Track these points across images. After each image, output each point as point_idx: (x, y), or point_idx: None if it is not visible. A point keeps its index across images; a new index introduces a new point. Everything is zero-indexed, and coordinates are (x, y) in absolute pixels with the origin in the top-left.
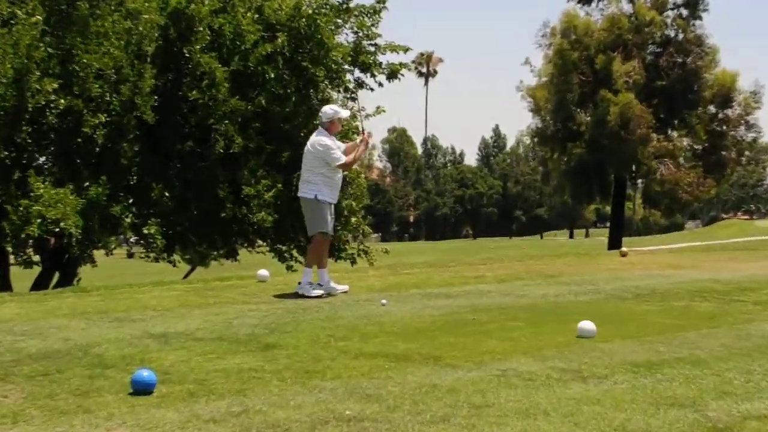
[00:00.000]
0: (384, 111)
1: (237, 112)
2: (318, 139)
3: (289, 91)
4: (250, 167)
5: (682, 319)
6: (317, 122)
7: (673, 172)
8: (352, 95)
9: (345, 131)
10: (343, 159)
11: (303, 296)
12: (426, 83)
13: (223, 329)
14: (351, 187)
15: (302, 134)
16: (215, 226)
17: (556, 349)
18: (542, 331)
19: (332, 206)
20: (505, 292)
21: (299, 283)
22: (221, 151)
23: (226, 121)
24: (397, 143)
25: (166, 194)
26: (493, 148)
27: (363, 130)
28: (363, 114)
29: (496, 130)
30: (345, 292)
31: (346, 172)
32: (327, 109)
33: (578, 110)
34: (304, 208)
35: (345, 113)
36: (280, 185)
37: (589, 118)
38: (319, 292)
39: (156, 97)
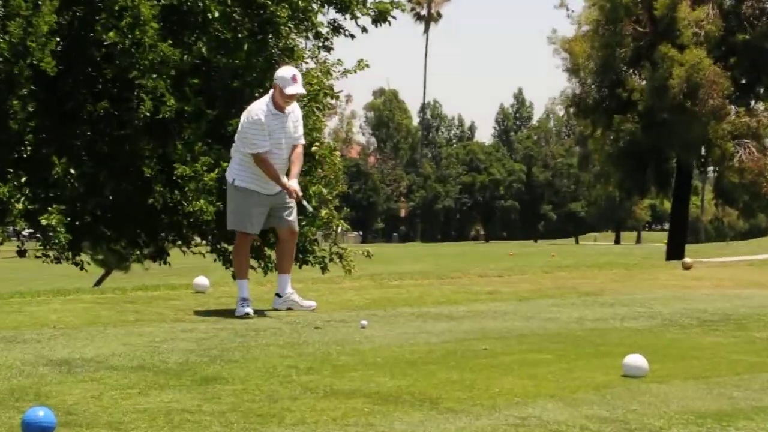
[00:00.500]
0: (368, 66)
1: (169, 63)
2: (251, 107)
3: (240, 36)
4: (185, 138)
5: (765, 356)
6: None
7: (756, 158)
8: (326, 43)
9: (314, 93)
10: (261, 150)
11: (290, 309)
12: (426, 30)
13: (146, 355)
14: (321, 168)
15: (257, 95)
16: (138, 216)
17: (594, 392)
18: (576, 367)
19: (276, 196)
20: (527, 314)
21: (277, 295)
22: (147, 115)
23: (154, 75)
24: (386, 111)
25: (72, 172)
26: (514, 120)
27: (302, 200)
28: (339, 70)
29: (519, 97)
30: (311, 310)
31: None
32: (279, 69)
33: (630, 72)
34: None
35: (292, 89)
36: (225, 164)
37: (644, 83)
38: (242, 311)
39: (58, 40)
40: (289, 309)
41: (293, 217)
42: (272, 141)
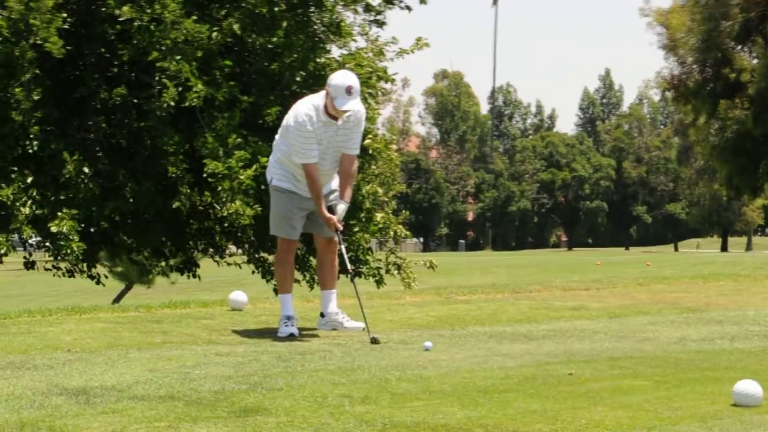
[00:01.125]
0: (427, 45)
1: (195, 43)
2: (298, 107)
3: (277, 10)
4: (216, 130)
5: None
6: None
7: None
8: (377, 17)
9: (366, 77)
10: (310, 161)
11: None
12: (495, 2)
13: (175, 383)
14: (375, 164)
15: (298, 79)
16: (162, 222)
17: (699, 424)
18: (678, 395)
19: (310, 200)
20: (619, 333)
21: (322, 315)
22: (171, 103)
23: (178, 57)
24: (449, 96)
25: (85, 171)
26: (601, 106)
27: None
28: (394, 49)
29: (606, 79)
30: (360, 330)
31: None
32: (334, 76)
33: (738, 48)
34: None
35: (345, 104)
36: (264, 159)
37: (755, 61)
38: (287, 331)
39: (65, 16)
40: (333, 330)
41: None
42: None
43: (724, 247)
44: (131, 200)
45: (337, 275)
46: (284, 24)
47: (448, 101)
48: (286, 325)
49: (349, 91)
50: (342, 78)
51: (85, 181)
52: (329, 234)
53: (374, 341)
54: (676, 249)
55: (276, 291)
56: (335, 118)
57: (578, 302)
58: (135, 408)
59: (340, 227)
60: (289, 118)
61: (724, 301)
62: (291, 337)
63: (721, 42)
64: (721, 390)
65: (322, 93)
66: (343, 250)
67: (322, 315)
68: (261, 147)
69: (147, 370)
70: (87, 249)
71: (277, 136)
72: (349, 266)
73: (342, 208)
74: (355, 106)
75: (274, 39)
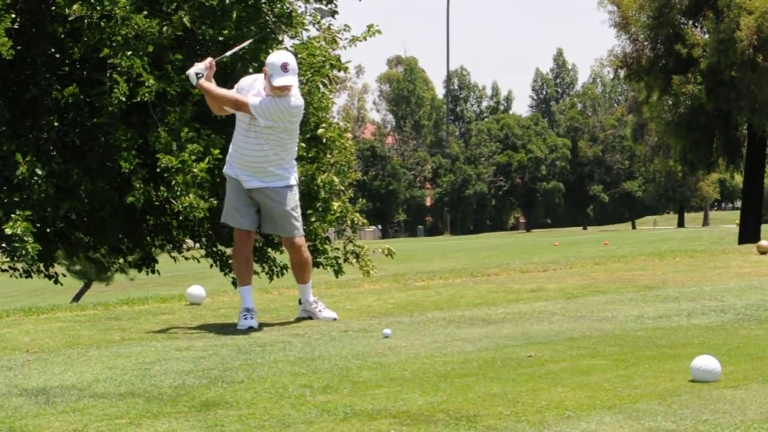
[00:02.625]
0: (379, 32)
1: (145, 37)
2: (244, 79)
3: (227, 2)
4: (169, 124)
5: None
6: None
7: None
8: (329, 6)
9: (319, 65)
10: (252, 103)
11: (311, 318)
12: None
13: (135, 380)
14: (330, 153)
15: (250, 70)
16: (119, 218)
17: (658, 401)
18: (636, 373)
19: (251, 193)
20: (577, 313)
21: (300, 302)
22: (123, 99)
23: (129, 52)
24: (404, 82)
25: (39, 171)
26: (555, 87)
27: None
28: (346, 37)
29: (559, 59)
30: (333, 320)
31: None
32: (272, 55)
33: (690, 24)
34: None
35: (282, 80)
36: (217, 152)
37: (707, 36)
38: (245, 324)
39: (13, 16)
40: (309, 318)
41: (292, 224)
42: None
43: (681, 223)
44: (86, 199)
45: (309, 269)
46: (234, 15)
47: (403, 87)
48: (245, 318)
49: (284, 67)
50: (277, 56)
51: (38, 183)
52: (285, 234)
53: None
54: (633, 227)
55: (235, 284)
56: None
57: (536, 284)
58: (95, 406)
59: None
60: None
61: (681, 278)
62: (250, 329)
63: (673, 18)
64: (680, 367)
65: (261, 74)
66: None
67: (300, 302)
68: (214, 139)
69: (106, 367)
70: (43, 248)
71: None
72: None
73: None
74: (291, 82)
75: (225, 31)
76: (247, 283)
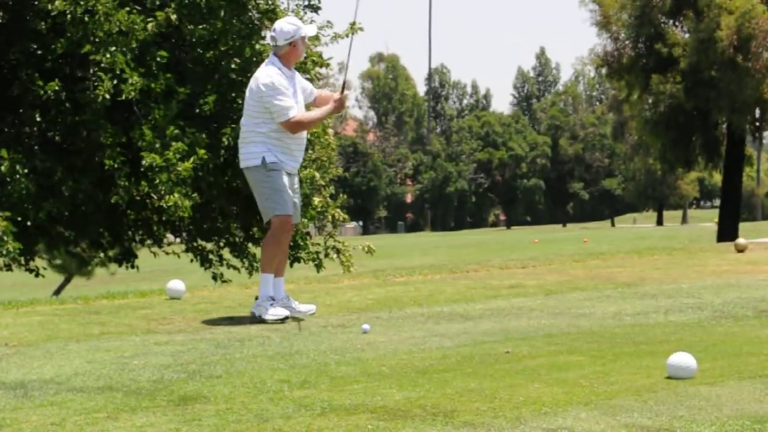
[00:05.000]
0: (361, 29)
1: (129, 34)
2: (265, 73)
3: None
4: (153, 122)
5: None
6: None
7: None
8: (311, 2)
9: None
10: (295, 113)
11: (260, 320)
12: None
13: (114, 374)
14: (311, 149)
15: (233, 66)
16: (100, 213)
17: (634, 397)
18: (613, 369)
19: (293, 177)
20: (555, 309)
21: (256, 299)
22: (106, 96)
23: (113, 48)
24: (386, 80)
25: (20, 168)
26: (537, 85)
27: (343, 85)
28: (328, 34)
29: (542, 58)
30: (311, 314)
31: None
32: (283, 25)
33: (671, 23)
34: (250, 183)
35: (310, 30)
36: (202, 151)
37: (687, 36)
38: (283, 313)
39: None
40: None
41: (299, 207)
42: None
43: (660, 221)
44: (68, 194)
45: (285, 264)
46: (221, 13)
47: (385, 84)
48: (274, 306)
49: (296, 22)
50: (284, 20)
51: (20, 179)
52: (296, 216)
53: None
54: (612, 224)
55: (215, 279)
56: (291, 69)
57: (515, 280)
58: (74, 400)
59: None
60: (257, 87)
61: (659, 275)
62: (286, 319)
63: (654, 17)
64: (656, 363)
65: (269, 61)
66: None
67: (256, 298)
68: (198, 138)
69: (85, 361)
70: (24, 242)
71: (246, 124)
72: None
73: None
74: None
75: (210, 28)
76: (274, 272)
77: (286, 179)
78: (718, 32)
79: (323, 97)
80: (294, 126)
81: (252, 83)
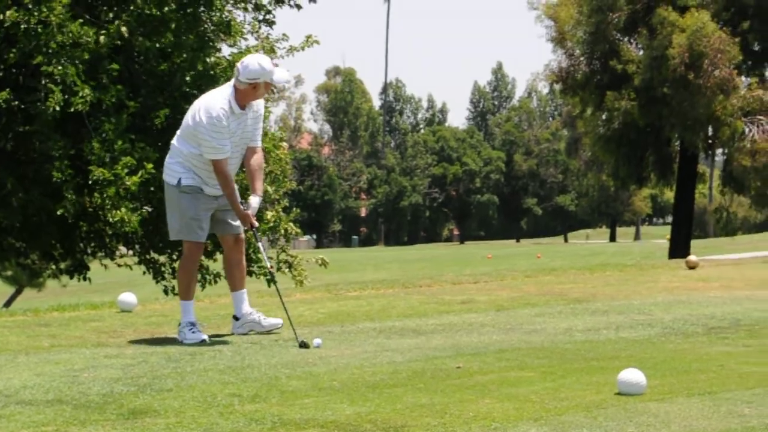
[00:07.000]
0: (318, 42)
1: (82, 46)
2: (209, 104)
3: (167, 9)
4: (103, 135)
5: None
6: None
7: None
8: (267, 17)
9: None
10: (222, 157)
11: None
12: None
13: (64, 387)
14: (267, 163)
15: (188, 79)
16: (52, 224)
17: (584, 413)
18: (564, 385)
19: (220, 198)
20: (507, 325)
21: (235, 318)
22: (57, 108)
23: (64, 60)
24: (342, 93)
25: None
26: (493, 100)
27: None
28: (284, 47)
29: (498, 72)
30: (277, 329)
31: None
32: (251, 63)
33: (625, 40)
34: (165, 196)
35: (279, 76)
36: (150, 165)
37: (641, 53)
38: (200, 337)
39: None
40: (251, 332)
41: (239, 221)
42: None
43: (612, 238)
44: (17, 205)
45: (245, 274)
46: (173, 24)
47: (341, 98)
48: (193, 332)
49: (274, 63)
50: (258, 58)
51: None
52: (236, 231)
53: (303, 345)
54: (565, 240)
55: (167, 292)
56: (244, 108)
57: (467, 296)
58: (22, 413)
59: (256, 223)
60: (199, 115)
61: (611, 291)
62: (203, 342)
63: (609, 34)
64: (606, 379)
65: (228, 86)
66: (261, 247)
67: (235, 318)
68: (148, 152)
69: (34, 374)
70: None
71: (176, 138)
72: (268, 264)
73: (256, 201)
74: (284, 74)
75: (163, 40)
76: (192, 298)
77: (203, 202)
78: (670, 50)
79: (257, 162)
80: (217, 169)
81: (197, 105)
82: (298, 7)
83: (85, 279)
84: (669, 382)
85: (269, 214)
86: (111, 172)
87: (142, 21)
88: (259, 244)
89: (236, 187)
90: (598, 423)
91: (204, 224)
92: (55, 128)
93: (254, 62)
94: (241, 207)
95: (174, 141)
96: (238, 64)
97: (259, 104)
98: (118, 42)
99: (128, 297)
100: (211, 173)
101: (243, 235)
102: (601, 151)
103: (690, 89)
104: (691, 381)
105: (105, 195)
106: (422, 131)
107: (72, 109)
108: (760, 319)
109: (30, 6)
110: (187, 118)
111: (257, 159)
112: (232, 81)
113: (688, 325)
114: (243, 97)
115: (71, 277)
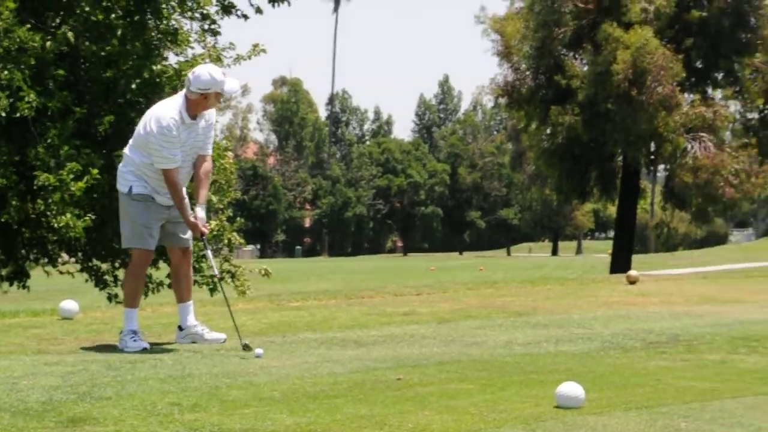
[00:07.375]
0: (264, 51)
1: (28, 51)
2: (159, 113)
3: (113, 16)
4: (48, 141)
5: (717, 381)
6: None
7: (712, 155)
8: (212, 26)
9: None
10: (173, 167)
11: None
12: (336, 9)
13: (2, 394)
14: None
15: (134, 86)
16: None
17: (522, 426)
18: (503, 397)
19: (171, 208)
20: (448, 337)
21: (180, 329)
22: (2, 114)
23: (10, 66)
24: (289, 103)
25: None
26: (439, 113)
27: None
28: (231, 55)
29: (445, 85)
30: (221, 342)
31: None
32: (202, 73)
33: (570, 55)
34: (119, 204)
35: (230, 86)
36: (96, 171)
37: (585, 68)
38: (142, 345)
39: None
40: (193, 343)
41: (189, 234)
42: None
43: (555, 251)
44: None
45: (192, 286)
46: (119, 32)
47: (287, 108)
48: (135, 340)
49: (225, 74)
50: (209, 68)
51: None
52: (185, 245)
53: (246, 348)
54: (508, 253)
55: (110, 299)
56: (195, 118)
57: (409, 307)
58: None
59: (206, 231)
60: (150, 125)
61: (551, 305)
62: (145, 351)
63: (554, 49)
64: (545, 392)
65: (179, 96)
66: (209, 255)
67: (180, 328)
68: (93, 158)
69: None
70: None
71: (128, 147)
72: (216, 272)
73: (202, 211)
74: (234, 85)
75: (109, 47)
76: (137, 306)
77: (154, 211)
78: (614, 65)
79: (204, 171)
80: (167, 178)
81: (149, 115)
82: (245, 17)
83: (24, 287)
84: (607, 396)
85: (213, 224)
86: (56, 178)
87: (88, 27)
88: (208, 252)
89: (186, 197)
90: None
91: (154, 232)
92: (1, 134)
93: (205, 73)
94: (191, 216)
95: (126, 150)
96: (189, 74)
97: (210, 113)
98: (65, 48)
99: (70, 304)
100: (163, 182)
101: (191, 248)
102: (545, 165)
103: (633, 105)
104: (629, 395)
105: (50, 200)
106: (368, 143)
107: (18, 114)
108: (698, 335)
109: None
110: (139, 128)
111: (206, 167)
112: (183, 91)
113: (627, 340)
114: (194, 107)
115: (11, 284)
